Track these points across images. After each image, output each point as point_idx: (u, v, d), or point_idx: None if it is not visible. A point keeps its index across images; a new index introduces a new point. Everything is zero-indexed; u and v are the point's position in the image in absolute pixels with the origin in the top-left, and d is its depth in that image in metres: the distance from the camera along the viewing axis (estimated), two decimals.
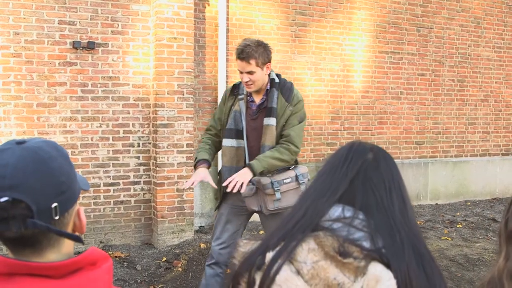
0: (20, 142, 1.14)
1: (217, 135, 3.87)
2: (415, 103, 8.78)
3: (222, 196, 3.85)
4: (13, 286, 1.05)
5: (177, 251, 6.10)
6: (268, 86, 3.68)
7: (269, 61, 3.63)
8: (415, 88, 8.76)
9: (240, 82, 3.78)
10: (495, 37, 9.43)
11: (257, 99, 3.72)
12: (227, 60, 7.19)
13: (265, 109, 3.65)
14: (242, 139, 3.68)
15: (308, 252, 1.16)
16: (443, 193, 9.04)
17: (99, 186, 6.31)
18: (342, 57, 8.08)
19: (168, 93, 6.38)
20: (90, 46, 6.20)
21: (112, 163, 6.36)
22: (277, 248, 1.20)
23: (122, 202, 6.44)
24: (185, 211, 6.52)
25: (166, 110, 6.34)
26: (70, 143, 6.18)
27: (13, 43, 5.92)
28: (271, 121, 3.60)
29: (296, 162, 3.81)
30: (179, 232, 6.44)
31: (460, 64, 9.13)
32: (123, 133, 6.39)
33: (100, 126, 6.32)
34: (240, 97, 3.75)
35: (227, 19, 7.17)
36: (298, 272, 1.14)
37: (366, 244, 1.17)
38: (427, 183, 8.91)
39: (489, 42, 9.38)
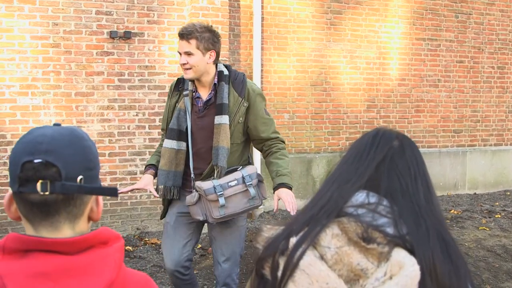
0: (56, 125, 1.22)
1: None
2: (453, 90, 8.63)
3: (168, 204, 3.49)
4: (27, 261, 1.10)
5: None
6: (216, 80, 3.28)
7: (215, 50, 3.23)
8: (453, 76, 8.61)
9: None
10: None
11: (204, 94, 3.31)
12: (262, 48, 7.19)
13: (214, 106, 3.26)
14: (184, 141, 3.31)
15: (332, 238, 1.16)
16: (482, 183, 8.88)
17: (135, 173, 6.41)
18: (378, 45, 7.99)
19: None
20: (127, 36, 6.28)
21: (149, 151, 6.44)
22: (301, 233, 1.20)
23: (158, 189, 6.50)
24: None
25: None
26: (108, 131, 6.29)
27: (52, 34, 6.04)
28: (223, 119, 3.21)
29: (249, 161, 3.48)
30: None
31: (500, 51, 8.93)
32: (159, 122, 6.46)
33: (137, 115, 6.41)
34: (185, 93, 3.32)
35: (262, 7, 7.16)
36: (322, 257, 1.15)
37: (390, 230, 1.16)
38: (465, 172, 8.76)
39: None
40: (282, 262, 1.18)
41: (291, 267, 1.15)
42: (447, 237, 1.22)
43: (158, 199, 6.38)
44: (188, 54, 3.17)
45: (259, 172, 3.50)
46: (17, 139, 1.20)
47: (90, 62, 6.20)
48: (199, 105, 3.32)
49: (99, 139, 6.24)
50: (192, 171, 3.32)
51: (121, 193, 3.02)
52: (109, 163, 6.30)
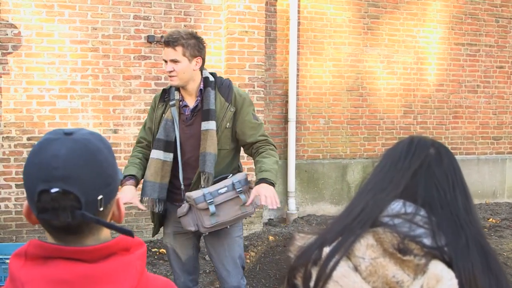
0: (68, 133, 1.16)
1: (149, 147, 3.35)
2: (492, 96, 8.46)
3: (158, 220, 3.38)
4: (48, 269, 1.10)
5: (246, 243, 6.15)
6: (202, 86, 3.23)
7: (201, 56, 3.19)
8: (493, 81, 8.43)
9: (171, 87, 3.33)
10: None
11: (191, 102, 3.26)
12: (298, 53, 7.16)
13: (201, 112, 3.20)
14: (171, 152, 3.22)
15: (366, 248, 1.14)
16: None
17: None
18: (415, 50, 7.88)
19: (239, 86, 6.42)
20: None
21: None
22: (335, 243, 1.18)
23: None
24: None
25: None
26: None
27: (91, 38, 6.13)
28: (210, 125, 3.15)
29: (239, 169, 3.40)
30: (248, 224, 6.49)
31: None
32: None
33: None
34: (171, 103, 3.26)
35: (298, 12, 7.14)
36: (356, 269, 1.12)
37: (427, 241, 1.14)
38: (504, 180, 8.57)
39: None
40: (314, 272, 1.16)
41: (324, 278, 1.13)
42: (487, 248, 1.19)
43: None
44: (175, 61, 3.11)
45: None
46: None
47: (128, 66, 6.27)
48: (187, 113, 3.26)
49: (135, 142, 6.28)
50: (182, 182, 3.25)
51: None
52: None
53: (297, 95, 7.18)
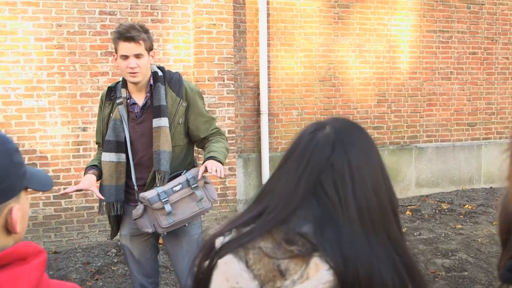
0: None
1: None
2: (466, 83, 8.46)
3: (115, 222, 3.27)
4: None
5: None
6: (152, 81, 3.13)
7: (153, 50, 3.14)
8: (466, 68, 8.44)
9: (117, 84, 3.21)
10: None
11: (139, 99, 3.14)
12: (269, 45, 7.11)
13: (151, 109, 3.10)
14: (123, 152, 3.12)
15: (259, 239, 1.16)
16: (498, 176, 8.69)
17: None
18: (387, 38, 7.86)
19: (208, 80, 6.38)
20: None
21: None
22: (231, 235, 1.20)
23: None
24: (228, 197, 6.52)
25: (207, 97, 6.33)
26: None
27: (56, 35, 6.03)
28: (162, 122, 3.05)
29: (194, 164, 3.31)
30: (222, 219, 6.45)
31: None
32: None
33: None
34: (118, 101, 3.12)
35: (268, 3, 7.08)
36: (244, 257, 1.14)
37: (311, 235, 1.13)
38: (480, 166, 8.60)
39: None
40: (207, 262, 1.18)
41: (212, 265, 1.16)
42: (395, 250, 1.16)
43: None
44: (138, 56, 3.00)
45: None
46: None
47: (95, 63, 6.18)
48: (136, 111, 3.14)
49: None
50: (135, 183, 3.15)
51: (65, 193, 2.90)
52: None
53: (269, 87, 7.12)
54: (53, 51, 6.03)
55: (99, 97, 3.39)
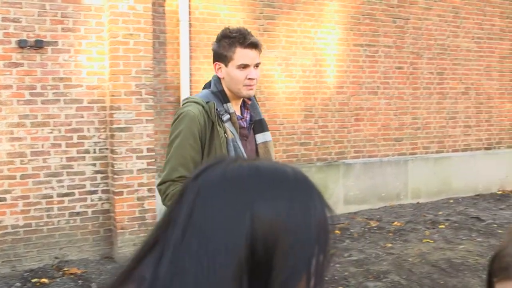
0: None
1: None
2: (392, 98, 8.39)
3: None
4: None
5: None
6: None
7: None
8: (392, 82, 8.37)
9: (217, 97, 2.74)
10: (474, 27, 9.06)
11: (239, 113, 2.81)
12: (191, 57, 6.72)
13: (254, 123, 2.82)
14: None
15: None
16: (424, 191, 8.67)
17: (52, 197, 5.81)
18: (314, 51, 7.65)
19: (125, 94, 5.91)
20: (38, 45, 5.70)
21: (66, 172, 5.87)
22: None
23: (78, 213, 5.96)
24: (147, 221, 6.07)
25: (123, 113, 5.88)
26: (19, 151, 5.68)
27: None
28: (267, 136, 2.83)
29: None
30: (139, 243, 5.98)
31: (439, 56, 8.75)
32: (77, 139, 5.91)
33: (52, 132, 5.82)
34: (225, 117, 2.68)
35: (189, 13, 6.70)
36: None
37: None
38: (407, 181, 8.53)
39: (468, 33, 9.01)
40: None
41: None
42: None
43: (79, 224, 5.90)
44: (257, 66, 2.67)
45: None
46: None
47: None
48: (245, 126, 2.79)
49: (9, 160, 5.62)
50: None
51: None
52: (21, 186, 5.68)
53: None
54: None
55: (185, 118, 2.63)
